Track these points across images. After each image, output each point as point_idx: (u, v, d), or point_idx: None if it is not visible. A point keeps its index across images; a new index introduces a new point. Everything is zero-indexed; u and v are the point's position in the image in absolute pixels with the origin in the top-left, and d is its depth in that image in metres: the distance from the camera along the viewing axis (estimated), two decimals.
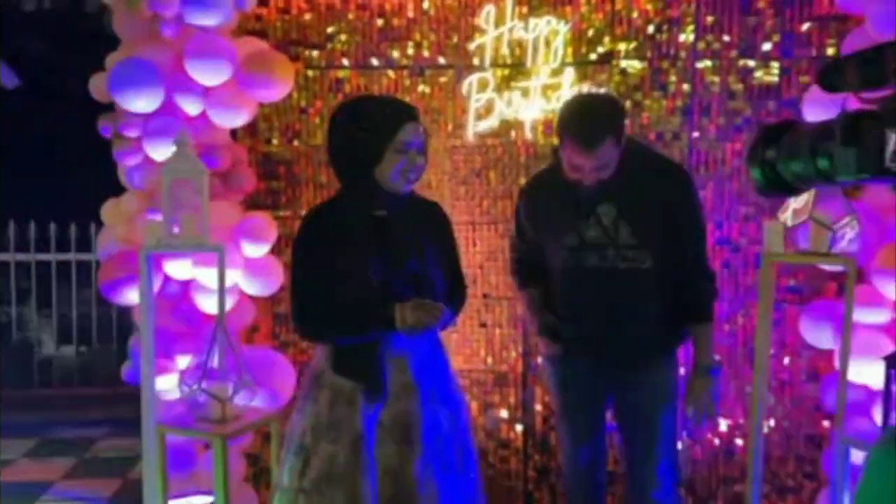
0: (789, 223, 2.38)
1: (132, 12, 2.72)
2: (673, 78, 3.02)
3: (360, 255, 1.93)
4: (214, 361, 2.31)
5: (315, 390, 1.99)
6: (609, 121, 2.06)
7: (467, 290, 2.21)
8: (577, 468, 2.35)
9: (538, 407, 3.18)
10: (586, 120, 2.05)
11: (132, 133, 2.82)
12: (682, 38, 2.99)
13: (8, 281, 4.88)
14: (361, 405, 1.92)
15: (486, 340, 3.19)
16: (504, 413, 3.21)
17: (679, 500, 2.38)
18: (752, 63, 2.99)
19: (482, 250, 3.14)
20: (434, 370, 2.05)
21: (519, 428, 3.20)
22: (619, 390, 2.29)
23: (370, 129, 1.91)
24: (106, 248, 3.01)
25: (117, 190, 3.06)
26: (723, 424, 3.11)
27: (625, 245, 2.13)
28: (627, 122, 2.16)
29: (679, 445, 2.54)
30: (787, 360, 3.04)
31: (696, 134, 3.03)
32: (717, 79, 3.00)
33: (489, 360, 3.19)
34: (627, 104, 2.97)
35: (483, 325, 3.18)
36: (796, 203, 2.39)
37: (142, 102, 2.73)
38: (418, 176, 1.99)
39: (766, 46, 2.97)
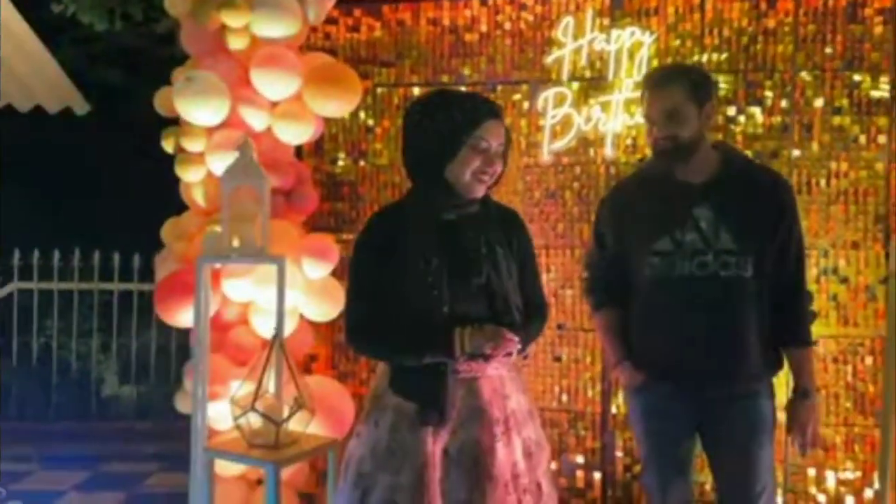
0: None
1: (202, 24, 2.66)
2: (769, 93, 2.78)
3: (424, 263, 1.73)
4: (270, 384, 2.12)
5: (376, 412, 1.77)
6: (683, 69, 2.15)
7: (548, 309, 1.97)
8: None
9: (619, 453, 2.87)
10: (661, 67, 2.26)
11: (195, 147, 2.73)
12: (779, 49, 2.76)
13: (65, 313, 4.86)
14: (426, 430, 1.69)
15: (560, 376, 2.92)
16: (580, 458, 2.91)
17: None
18: (858, 76, 2.73)
19: (557, 276, 2.91)
20: (509, 397, 1.80)
21: (597, 475, 2.89)
22: (711, 422, 2.04)
23: (448, 120, 1.73)
24: (166, 269, 2.91)
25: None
26: (830, 478, 2.74)
27: (725, 250, 1.95)
28: (713, 101, 2.00)
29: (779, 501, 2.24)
30: None
31: (796, 153, 2.76)
32: (819, 93, 2.74)
33: (564, 397, 2.92)
34: (719, 119, 2.74)
35: (557, 358, 2.92)
36: None
37: (205, 115, 2.64)
38: (493, 180, 1.80)
39: (875, 57, 2.71)
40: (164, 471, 4.13)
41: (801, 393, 2.03)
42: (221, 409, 2.59)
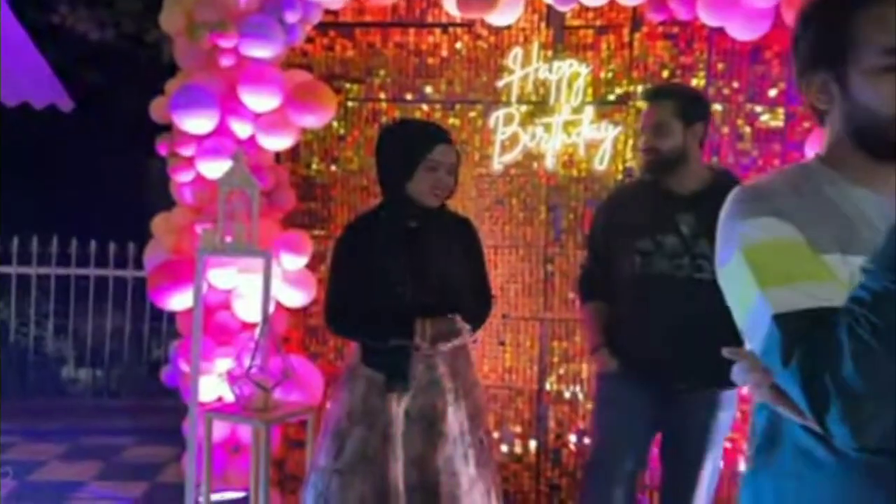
0: None
1: (195, 43, 3.01)
2: None
3: (392, 262, 2.15)
4: (258, 360, 2.52)
5: (351, 381, 2.19)
6: (676, 89, 2.38)
7: (493, 300, 2.41)
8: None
9: (551, 423, 3.34)
10: (659, 85, 2.59)
11: (187, 152, 3.08)
12: (693, 82, 3.24)
13: (42, 296, 5.11)
14: (391, 396, 2.12)
15: (503, 358, 3.37)
16: (518, 428, 3.37)
17: None
18: (759, 108, 3.23)
19: (503, 272, 3.35)
20: (459, 370, 2.24)
21: (532, 444, 3.35)
22: (670, 424, 2.25)
23: (406, 147, 2.16)
24: (154, 258, 3.25)
25: (154, 211, 3.31)
26: None
27: (701, 255, 2.12)
28: (704, 122, 2.29)
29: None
30: None
31: None
32: (726, 121, 3.23)
33: (506, 376, 3.37)
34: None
35: (502, 343, 3.36)
36: None
37: (198, 124, 3.00)
38: (446, 192, 2.22)
39: (773, 93, 3.21)
40: (139, 444, 4.46)
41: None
42: (207, 382, 2.97)
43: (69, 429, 4.64)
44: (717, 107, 3.24)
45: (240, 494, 2.81)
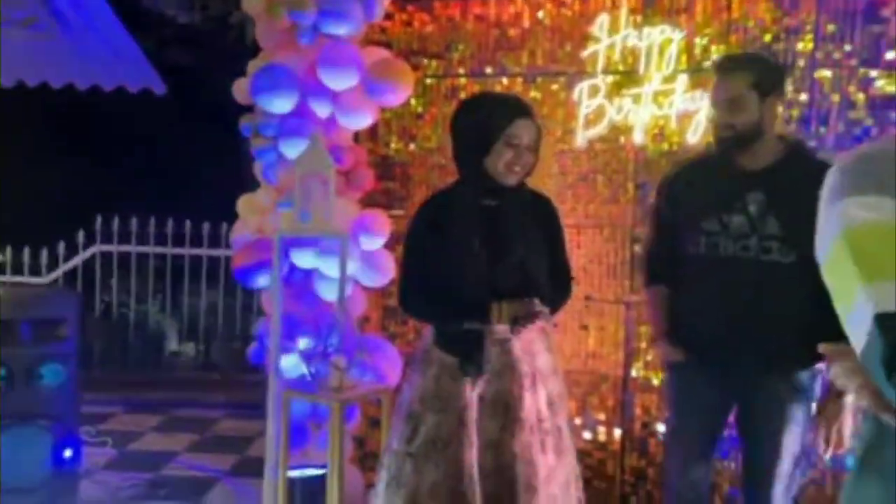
0: None
1: (273, 20, 3.01)
2: (789, 87, 3.00)
3: (467, 242, 2.06)
4: (334, 340, 2.51)
5: (423, 364, 2.13)
6: (749, 58, 2.21)
7: (572, 282, 2.29)
8: (683, 490, 2.26)
9: (637, 411, 3.19)
10: (731, 54, 2.38)
11: (269, 132, 3.10)
12: (799, 46, 2.98)
13: (141, 274, 5.36)
14: (465, 380, 2.05)
15: (586, 342, 3.24)
16: (602, 416, 3.24)
17: None
18: (874, 73, 2.93)
19: (586, 253, 3.21)
20: (536, 355, 2.14)
21: (617, 431, 3.22)
22: (745, 402, 2.17)
23: (483, 120, 2.06)
24: (239, 238, 3.31)
25: (245, 191, 3.36)
26: None
27: (769, 236, 2.03)
28: (780, 93, 2.16)
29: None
30: None
31: (812, 144, 2.99)
32: (836, 88, 2.95)
33: (589, 361, 3.24)
34: None
35: (584, 327, 3.23)
36: None
37: (279, 104, 3.00)
38: (525, 170, 2.10)
39: (891, 55, 2.91)
40: (231, 417, 4.62)
41: (834, 392, 1.99)
42: (290, 360, 3.00)
43: (167, 401, 4.85)
44: (825, 73, 2.96)
45: (320, 471, 2.83)
